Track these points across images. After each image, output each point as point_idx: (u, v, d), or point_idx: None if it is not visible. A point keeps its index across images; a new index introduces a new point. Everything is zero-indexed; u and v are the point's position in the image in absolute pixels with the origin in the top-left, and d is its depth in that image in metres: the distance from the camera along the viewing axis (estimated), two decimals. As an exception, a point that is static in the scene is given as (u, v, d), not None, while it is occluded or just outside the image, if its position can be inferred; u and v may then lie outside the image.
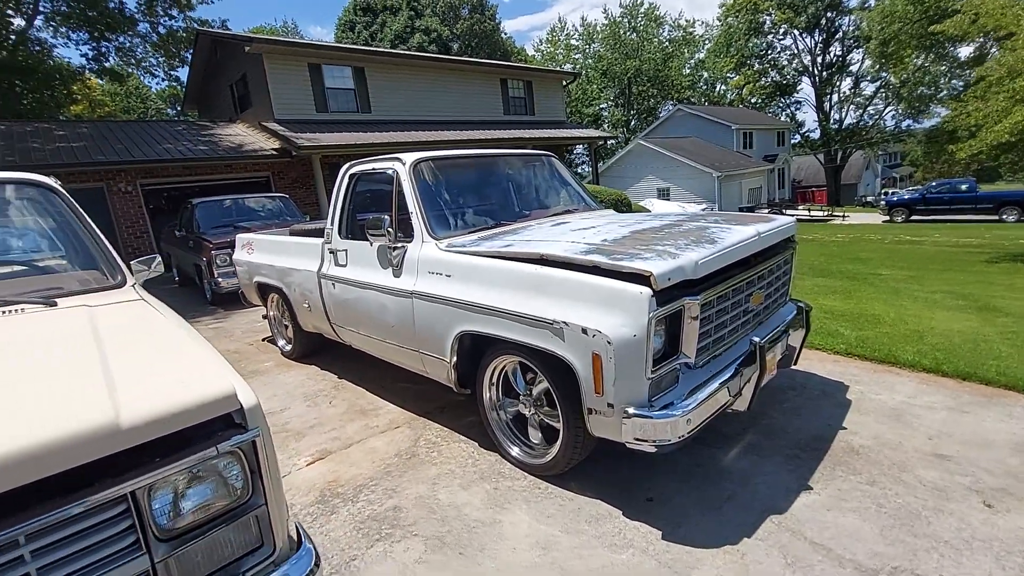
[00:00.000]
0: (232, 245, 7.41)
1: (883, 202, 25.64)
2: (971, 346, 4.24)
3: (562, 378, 2.45)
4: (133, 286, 2.21)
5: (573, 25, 73.81)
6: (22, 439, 1.03)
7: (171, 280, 10.18)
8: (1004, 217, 20.43)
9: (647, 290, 2.11)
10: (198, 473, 1.23)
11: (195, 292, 8.94)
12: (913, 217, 22.99)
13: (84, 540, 1.10)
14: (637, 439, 2.20)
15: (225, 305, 7.91)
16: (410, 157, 3.46)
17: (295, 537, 1.45)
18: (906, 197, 24.07)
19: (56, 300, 1.89)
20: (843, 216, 28.47)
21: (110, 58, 21.56)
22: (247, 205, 9.39)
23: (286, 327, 5.17)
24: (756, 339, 2.55)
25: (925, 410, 3.26)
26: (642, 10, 46.68)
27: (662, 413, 2.19)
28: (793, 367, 3.50)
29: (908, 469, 2.67)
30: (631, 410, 2.19)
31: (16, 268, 2.26)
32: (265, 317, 5.58)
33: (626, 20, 46.76)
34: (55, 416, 1.09)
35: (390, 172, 3.48)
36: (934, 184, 23.77)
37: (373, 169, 3.68)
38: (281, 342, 5.32)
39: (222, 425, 1.26)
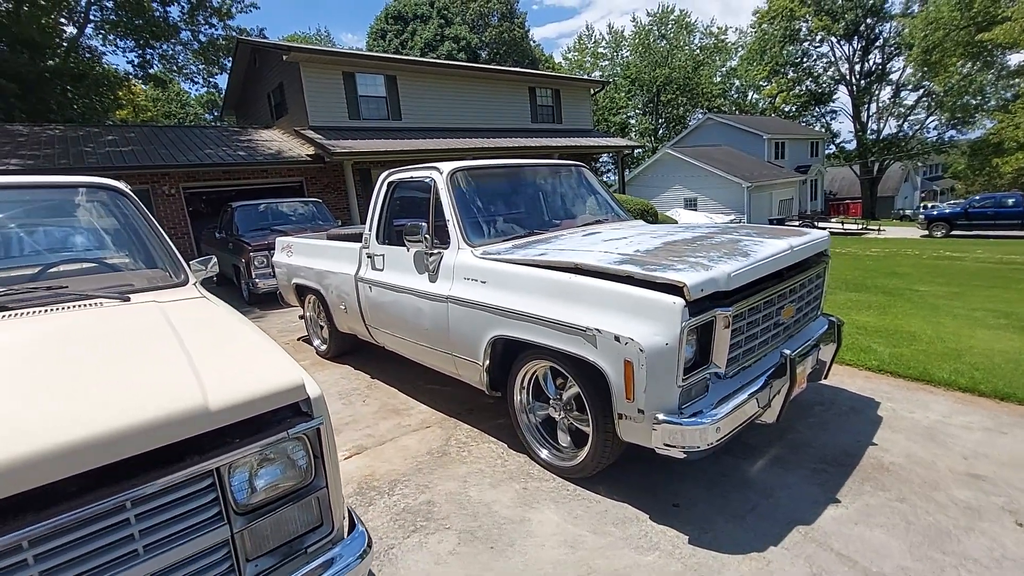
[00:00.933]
0: (269, 247, 7.72)
1: (922, 216, 24.86)
2: (1012, 366, 4.15)
3: (593, 383, 2.52)
4: (195, 284, 2.38)
5: (600, 33, 73.82)
6: (134, 414, 1.18)
7: (210, 280, 10.54)
8: (1052, 234, 19.62)
9: (680, 300, 2.18)
10: (270, 455, 1.36)
11: (233, 292, 9.26)
12: (954, 232, 22.25)
13: (177, 508, 1.24)
14: (666, 445, 2.26)
15: (261, 305, 8.19)
16: (447, 166, 3.59)
17: (349, 520, 1.57)
18: (947, 211, 23.30)
19: (129, 296, 2.06)
20: (878, 230, 27.72)
21: (154, 65, 22.53)
22: (283, 209, 9.73)
23: (322, 328, 5.35)
24: (787, 352, 2.58)
25: (961, 429, 3.23)
26: (672, 17, 46.46)
27: (691, 420, 2.25)
28: (823, 381, 3.50)
29: (940, 488, 2.66)
30: (661, 416, 2.26)
31: (88, 265, 2.45)
32: (302, 317, 5.78)
33: (655, 28, 46.59)
34: (154, 398, 1.24)
35: (427, 181, 3.62)
36: (977, 198, 22.96)
37: (411, 177, 3.82)
38: (316, 342, 5.51)
39: (290, 413, 1.40)
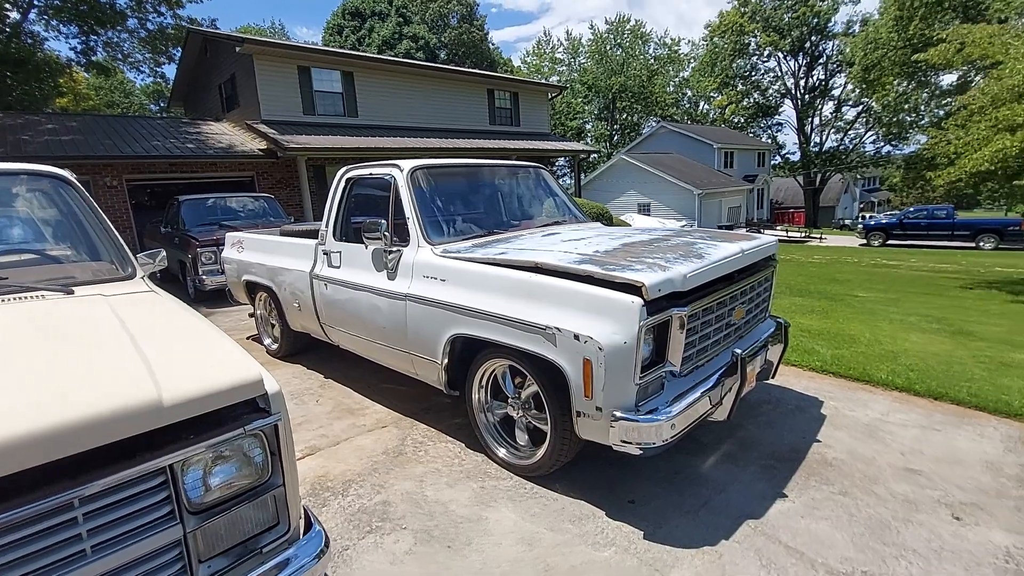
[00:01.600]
0: (218, 243, 7.42)
1: (860, 225, 26.33)
2: (944, 368, 4.42)
3: (552, 382, 2.53)
4: (143, 278, 2.26)
5: (559, 39, 74.69)
6: (82, 408, 1.11)
7: (153, 276, 10.05)
8: (981, 244, 21.11)
9: (638, 300, 2.21)
10: (225, 452, 1.31)
11: (178, 289, 8.83)
12: (890, 241, 23.69)
13: (128, 507, 1.18)
14: (623, 442, 2.29)
15: (208, 303, 7.85)
16: (408, 164, 3.54)
17: (305, 520, 1.52)
18: (884, 221, 24.79)
19: (72, 288, 1.94)
20: (820, 238, 29.19)
21: (98, 52, 21.33)
22: (232, 204, 9.39)
23: (273, 326, 5.17)
24: (738, 351, 2.66)
25: (898, 427, 3.41)
26: (628, 27, 47.54)
27: (648, 417, 2.28)
28: (770, 381, 3.63)
29: (880, 482, 2.79)
30: (618, 414, 2.28)
31: (28, 257, 2.30)
32: (252, 316, 5.57)
33: (612, 36, 47.56)
34: (106, 392, 1.18)
35: (387, 178, 3.55)
36: (912, 209, 24.54)
37: (370, 174, 3.74)
38: (267, 341, 5.32)
39: (247, 409, 1.35)
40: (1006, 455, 3.04)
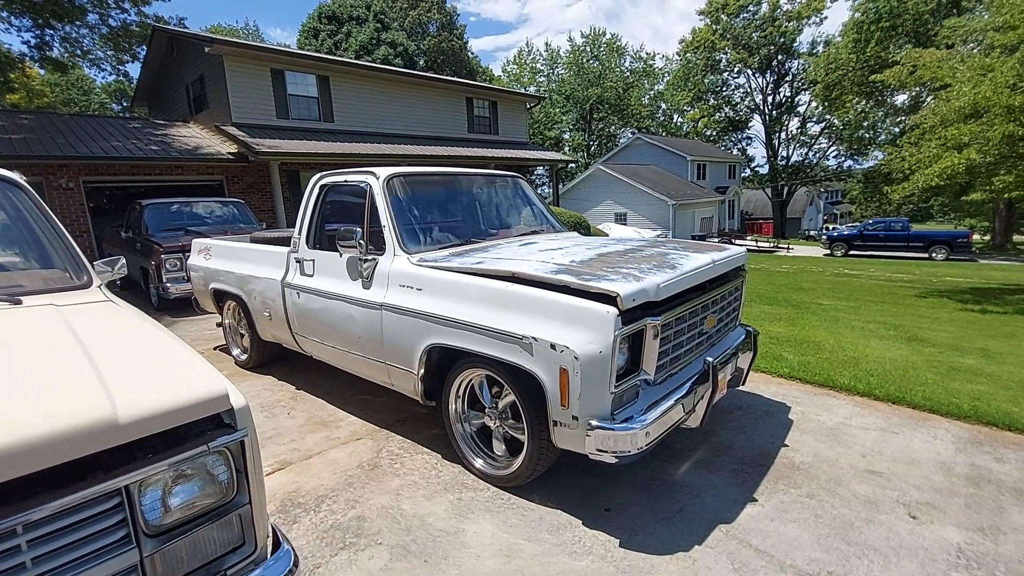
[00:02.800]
0: (183, 249, 7.22)
1: (824, 237, 27.26)
2: (901, 373, 4.60)
3: (529, 391, 2.54)
4: (99, 287, 2.17)
5: (538, 49, 75.54)
6: (26, 428, 1.04)
7: (113, 284, 9.72)
8: (933, 255, 22.20)
9: (613, 309, 2.24)
10: (187, 471, 1.25)
11: (140, 297, 8.57)
12: (851, 252, 24.58)
13: (78, 532, 1.10)
14: (599, 450, 2.31)
15: (172, 311, 7.63)
16: (384, 171, 3.52)
17: (273, 538, 1.47)
18: (845, 233, 25.71)
19: (20, 299, 1.84)
20: (788, 248, 30.08)
21: (54, 47, 20.53)
22: (200, 209, 9.13)
23: (242, 336, 5.05)
24: (710, 359, 2.72)
25: (860, 430, 3.53)
26: (604, 40, 48.40)
27: (623, 426, 2.31)
28: (741, 388, 3.72)
29: (843, 484, 2.89)
30: (594, 423, 2.31)
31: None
32: (219, 325, 5.43)
33: (589, 48, 48.33)
34: (54, 409, 1.10)
35: (363, 185, 3.53)
36: (871, 222, 25.53)
37: (345, 181, 3.71)
38: (236, 351, 5.19)
39: (211, 424, 1.29)
40: (957, 455, 3.19)
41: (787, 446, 3.32)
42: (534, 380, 2.45)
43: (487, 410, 2.92)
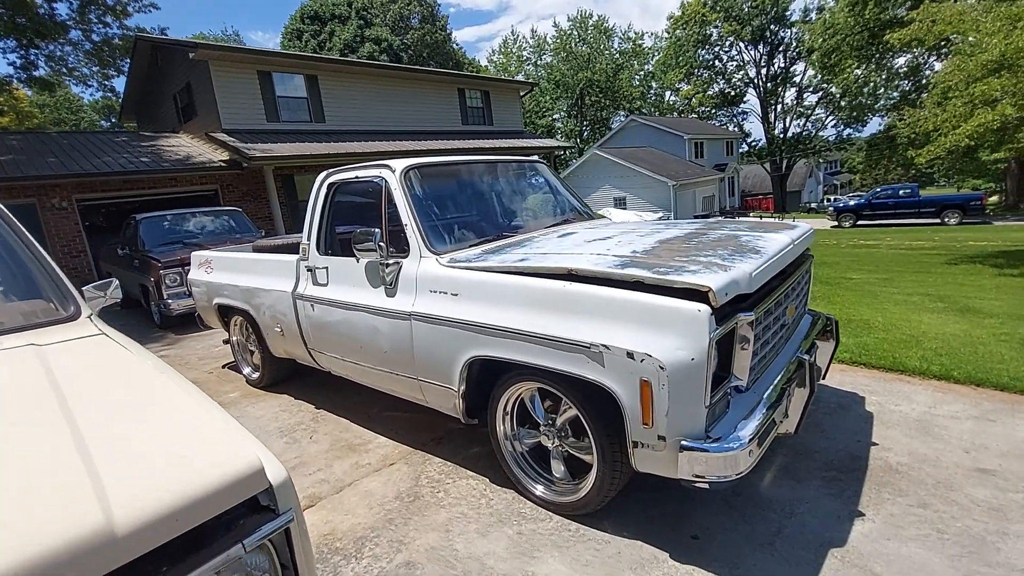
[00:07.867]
0: (183, 263, 6.84)
1: (831, 208, 26.71)
2: (971, 350, 4.21)
3: (596, 407, 2.17)
4: (89, 317, 1.79)
5: (524, 37, 74.49)
6: None
7: (113, 305, 9.34)
8: (946, 220, 21.60)
9: (706, 307, 1.86)
10: None
11: (141, 315, 8.20)
12: (860, 222, 24.05)
13: None
14: (696, 476, 1.94)
15: (176, 329, 7.27)
16: (400, 164, 3.13)
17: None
18: (851, 203, 25.15)
19: (-8, 339, 1.47)
20: (793, 221, 29.54)
21: (39, 66, 20.06)
22: (196, 220, 8.75)
23: (252, 353, 4.68)
24: (806, 356, 2.34)
25: (951, 420, 3.15)
26: (591, 23, 47.52)
27: (720, 446, 1.93)
28: (822, 382, 3.33)
29: (955, 488, 2.51)
30: (686, 443, 1.93)
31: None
32: (226, 342, 5.06)
33: (576, 32, 47.47)
34: (22, 527, 0.73)
35: (377, 181, 3.13)
36: (879, 190, 24.94)
37: (356, 177, 3.32)
38: (247, 369, 4.82)
39: (244, 510, 0.92)
40: (1078, 445, 2.81)
41: (876, 444, 2.94)
42: (602, 393, 2.07)
43: (542, 428, 2.54)
